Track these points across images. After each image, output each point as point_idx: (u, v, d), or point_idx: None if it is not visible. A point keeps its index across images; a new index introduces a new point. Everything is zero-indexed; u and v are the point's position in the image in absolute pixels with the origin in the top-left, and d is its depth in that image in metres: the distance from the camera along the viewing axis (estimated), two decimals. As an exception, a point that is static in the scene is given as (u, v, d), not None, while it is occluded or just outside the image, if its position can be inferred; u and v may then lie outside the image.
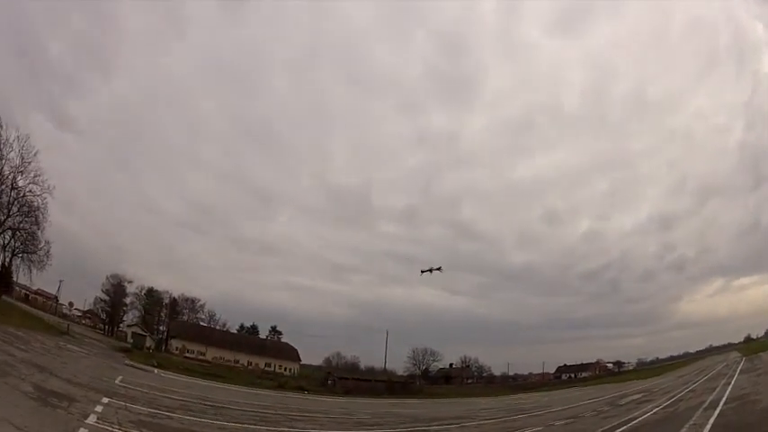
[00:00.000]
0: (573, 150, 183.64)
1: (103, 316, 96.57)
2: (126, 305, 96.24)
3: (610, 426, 20.53)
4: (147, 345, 79.46)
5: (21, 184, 54.82)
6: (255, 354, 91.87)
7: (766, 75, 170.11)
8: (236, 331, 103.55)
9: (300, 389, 57.42)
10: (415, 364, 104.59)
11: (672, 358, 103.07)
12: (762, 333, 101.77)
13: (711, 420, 17.50)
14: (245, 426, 17.73)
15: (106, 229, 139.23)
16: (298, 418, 24.25)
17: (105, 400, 16.16)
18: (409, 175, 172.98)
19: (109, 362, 38.53)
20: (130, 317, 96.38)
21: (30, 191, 55.62)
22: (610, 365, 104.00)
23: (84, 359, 34.06)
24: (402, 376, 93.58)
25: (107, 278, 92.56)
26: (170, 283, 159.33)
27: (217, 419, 17.67)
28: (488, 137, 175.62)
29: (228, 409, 22.49)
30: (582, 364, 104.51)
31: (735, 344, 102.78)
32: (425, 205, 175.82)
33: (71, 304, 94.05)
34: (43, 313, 67.56)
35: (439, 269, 62.69)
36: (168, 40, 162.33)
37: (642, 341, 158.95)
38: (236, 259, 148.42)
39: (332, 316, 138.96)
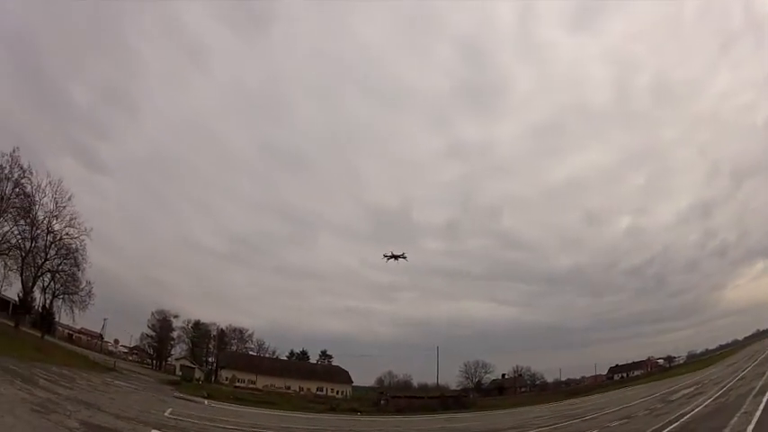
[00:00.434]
0: (604, 147, 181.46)
1: (150, 351, 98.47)
2: (173, 339, 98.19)
3: (663, 423, 20.91)
4: (197, 377, 79.83)
5: (57, 227, 56.15)
6: (306, 379, 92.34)
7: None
8: (286, 358, 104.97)
9: (353, 410, 57.50)
10: (467, 378, 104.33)
11: (721, 347, 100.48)
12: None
13: (761, 406, 18.31)
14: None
15: (148, 266, 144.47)
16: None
17: (154, 432, 15.45)
18: (446, 188, 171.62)
19: (158, 395, 38.33)
20: (178, 350, 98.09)
21: (67, 234, 56.88)
22: (661, 361, 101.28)
23: (132, 394, 33.61)
24: (455, 391, 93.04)
25: (152, 314, 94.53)
26: (216, 315, 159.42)
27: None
28: (520, 142, 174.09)
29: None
30: (633, 362, 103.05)
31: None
32: (466, 218, 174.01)
33: (116, 341, 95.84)
34: (88, 351, 68.61)
35: (404, 257, 60.67)
36: (191, 76, 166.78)
37: (690, 333, 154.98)
38: (280, 287, 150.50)
39: (381, 335, 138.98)
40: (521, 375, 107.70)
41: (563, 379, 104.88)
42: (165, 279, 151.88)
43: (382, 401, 73.40)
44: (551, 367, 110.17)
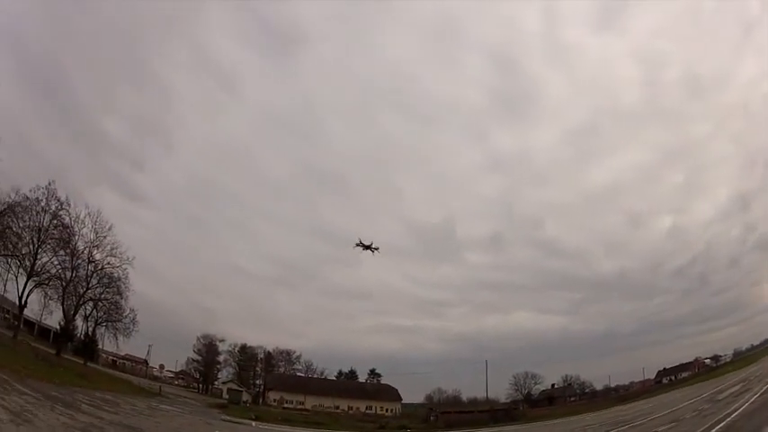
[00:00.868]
0: (640, 147, 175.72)
1: (197, 375, 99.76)
2: (219, 363, 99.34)
3: (710, 423, 21.48)
4: (244, 399, 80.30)
5: (98, 257, 57.34)
6: (355, 398, 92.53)
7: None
8: (334, 378, 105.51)
9: (402, 428, 58.84)
10: (516, 390, 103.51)
11: (766, 342, 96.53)
12: None
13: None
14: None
15: (193, 292, 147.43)
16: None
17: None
18: (487, 201, 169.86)
19: (204, 418, 38.24)
20: (225, 374, 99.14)
21: (108, 263, 58.06)
22: (707, 361, 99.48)
23: (177, 417, 33.40)
24: (505, 403, 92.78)
25: (198, 339, 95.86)
26: (263, 338, 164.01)
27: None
28: (557, 149, 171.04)
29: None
30: (681, 364, 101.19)
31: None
32: (509, 229, 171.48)
33: (162, 366, 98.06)
34: (133, 377, 69.91)
35: (377, 249, 59.28)
36: (224, 103, 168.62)
37: (736, 330, 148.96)
38: (327, 308, 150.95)
39: (429, 352, 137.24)
40: (570, 384, 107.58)
41: (612, 385, 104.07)
42: (211, 305, 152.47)
43: (432, 417, 74.33)
44: (600, 374, 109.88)
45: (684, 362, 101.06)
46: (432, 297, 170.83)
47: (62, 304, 55.29)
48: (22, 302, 50.47)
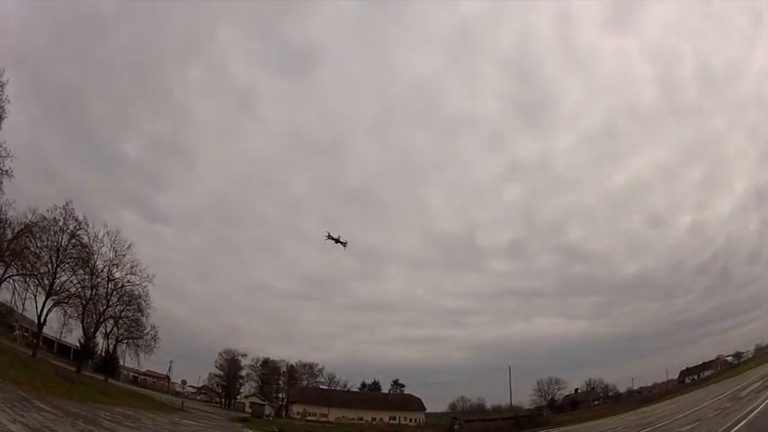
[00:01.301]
0: (659, 145, 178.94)
1: (219, 390, 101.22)
2: (242, 378, 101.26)
3: (732, 422, 22.12)
4: (267, 413, 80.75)
5: (117, 275, 58.29)
6: (379, 409, 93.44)
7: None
8: (357, 390, 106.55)
9: None
10: (540, 396, 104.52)
11: None
12: None
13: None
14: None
15: (214, 308, 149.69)
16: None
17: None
18: (509, 208, 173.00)
19: (226, 432, 38.20)
20: (247, 388, 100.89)
21: (128, 281, 59.02)
22: (729, 359, 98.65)
23: (199, 432, 33.60)
24: (528, 410, 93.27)
25: (220, 354, 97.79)
26: (285, 352, 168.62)
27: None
28: (576, 152, 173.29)
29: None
30: (703, 363, 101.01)
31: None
32: (530, 236, 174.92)
33: (184, 382, 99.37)
34: (154, 392, 70.48)
35: (345, 243, 59.09)
36: (244, 123, 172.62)
37: (757, 326, 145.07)
38: (351, 321, 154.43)
39: (453, 361, 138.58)
40: (593, 388, 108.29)
41: (635, 388, 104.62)
42: (233, 321, 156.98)
43: (456, 426, 75.31)
44: (623, 377, 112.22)
45: (707, 360, 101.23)
46: (455, 306, 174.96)
47: (82, 322, 56.12)
48: (41, 321, 51.10)
